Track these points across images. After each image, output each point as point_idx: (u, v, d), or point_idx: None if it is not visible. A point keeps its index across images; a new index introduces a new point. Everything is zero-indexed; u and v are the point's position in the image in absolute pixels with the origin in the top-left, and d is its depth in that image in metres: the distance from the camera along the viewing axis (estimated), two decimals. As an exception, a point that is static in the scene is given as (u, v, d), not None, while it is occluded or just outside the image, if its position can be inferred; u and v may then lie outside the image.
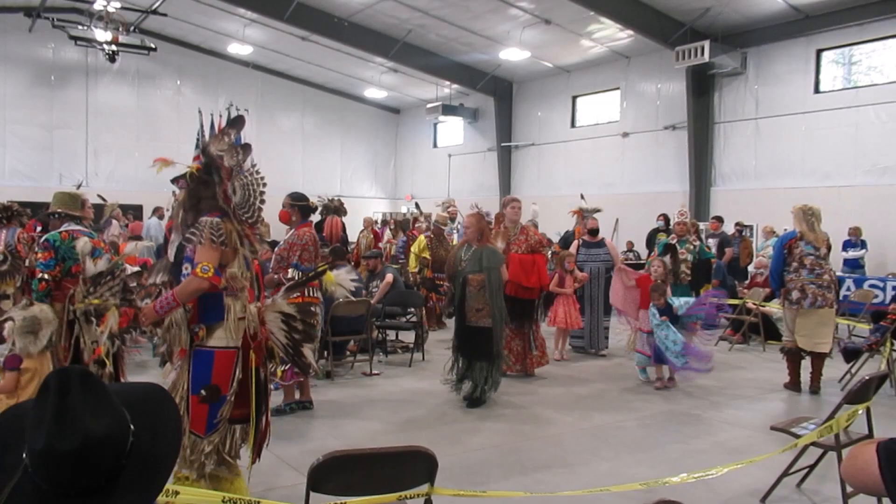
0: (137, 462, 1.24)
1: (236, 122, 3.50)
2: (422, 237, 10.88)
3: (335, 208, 10.26)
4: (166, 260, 3.69)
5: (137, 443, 1.24)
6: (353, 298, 6.46)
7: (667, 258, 8.40)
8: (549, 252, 9.99)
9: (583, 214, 9.70)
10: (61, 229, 4.42)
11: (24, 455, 1.19)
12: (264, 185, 3.48)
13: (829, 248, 7.11)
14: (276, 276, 5.73)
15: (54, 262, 4.26)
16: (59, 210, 4.57)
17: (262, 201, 3.49)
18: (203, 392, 3.40)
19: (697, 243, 9.32)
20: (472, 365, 6.41)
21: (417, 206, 14.28)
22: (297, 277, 5.58)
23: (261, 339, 3.51)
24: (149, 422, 1.30)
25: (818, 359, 7.07)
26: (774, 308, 10.15)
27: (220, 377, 3.43)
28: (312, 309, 4.46)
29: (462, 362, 6.48)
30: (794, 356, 7.16)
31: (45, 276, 4.21)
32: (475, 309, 6.35)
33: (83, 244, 4.24)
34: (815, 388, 7.08)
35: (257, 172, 3.48)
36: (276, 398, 5.94)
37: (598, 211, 9.79)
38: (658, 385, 7.15)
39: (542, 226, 11.09)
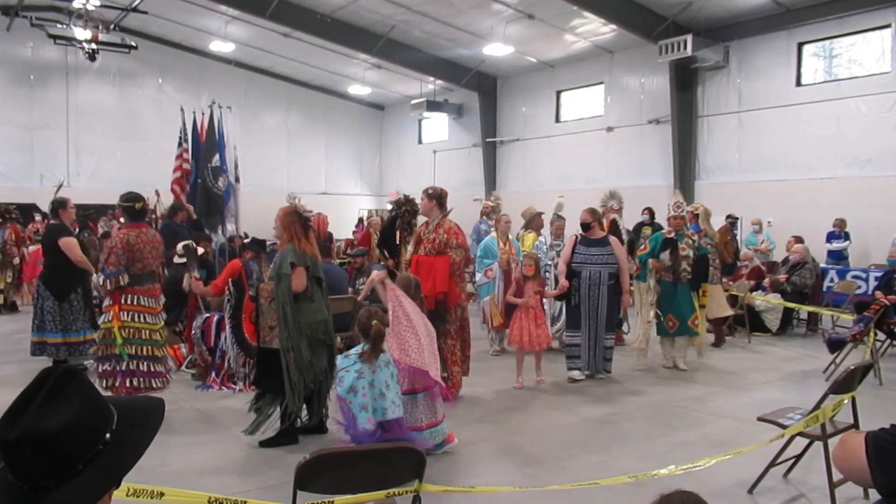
0: (111, 450, 1.25)
1: None
2: (531, 234, 9.45)
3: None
4: None
5: (118, 431, 1.26)
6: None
7: (666, 254, 7.79)
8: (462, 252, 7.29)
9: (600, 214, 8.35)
10: None
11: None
12: None
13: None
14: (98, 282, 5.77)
15: None
16: None
17: None
18: None
19: (695, 237, 8.29)
20: (262, 395, 5.25)
21: (497, 200, 11.84)
22: (101, 282, 5.54)
23: None
24: (131, 417, 1.32)
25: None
26: (758, 300, 10.23)
27: None
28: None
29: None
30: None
31: None
32: (268, 326, 5.25)
33: None
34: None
35: None
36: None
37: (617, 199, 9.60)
38: None
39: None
